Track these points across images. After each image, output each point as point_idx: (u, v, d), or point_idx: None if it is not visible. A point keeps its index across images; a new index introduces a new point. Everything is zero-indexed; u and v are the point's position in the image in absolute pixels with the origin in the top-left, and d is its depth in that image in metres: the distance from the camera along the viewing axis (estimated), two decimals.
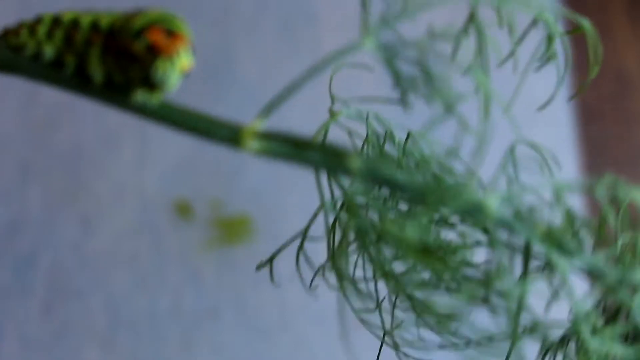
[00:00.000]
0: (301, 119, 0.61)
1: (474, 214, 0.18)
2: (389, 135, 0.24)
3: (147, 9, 0.22)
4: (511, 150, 0.19)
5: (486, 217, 0.17)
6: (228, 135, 0.21)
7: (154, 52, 0.21)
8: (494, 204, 0.18)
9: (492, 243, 0.18)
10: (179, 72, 0.21)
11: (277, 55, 0.63)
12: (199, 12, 0.64)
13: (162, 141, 0.57)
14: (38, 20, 0.23)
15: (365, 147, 0.25)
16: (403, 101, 0.20)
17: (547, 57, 0.20)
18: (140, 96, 0.22)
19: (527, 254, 0.19)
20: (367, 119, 0.25)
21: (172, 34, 0.21)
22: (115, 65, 0.22)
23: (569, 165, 0.61)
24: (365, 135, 0.25)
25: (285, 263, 0.56)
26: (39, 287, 0.53)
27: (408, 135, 0.25)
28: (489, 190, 0.18)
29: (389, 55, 0.19)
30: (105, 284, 0.54)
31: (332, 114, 0.23)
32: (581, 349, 0.18)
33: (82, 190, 0.56)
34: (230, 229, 0.56)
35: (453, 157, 0.23)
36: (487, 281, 0.18)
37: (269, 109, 0.20)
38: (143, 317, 0.53)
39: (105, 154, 0.57)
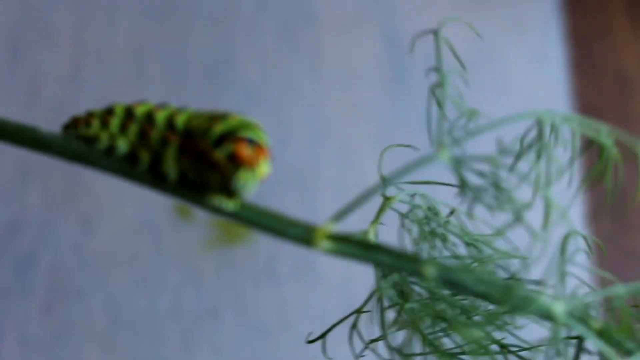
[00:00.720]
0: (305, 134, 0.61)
1: (542, 318, 0.20)
2: (433, 213, 0.26)
3: (227, 113, 0.22)
4: (563, 245, 0.21)
5: (554, 322, 0.20)
6: (302, 235, 0.22)
7: (236, 163, 0.21)
8: (560, 309, 0.20)
9: (554, 342, 0.20)
10: (258, 181, 0.21)
11: (277, 55, 0.63)
12: (199, 12, 0.64)
13: None
14: (109, 111, 0.23)
15: (409, 224, 0.27)
16: (469, 211, 0.22)
17: (597, 176, 0.23)
18: (217, 201, 0.22)
19: (579, 346, 0.21)
20: (412, 198, 0.26)
21: (254, 144, 0.21)
22: (191, 166, 0.22)
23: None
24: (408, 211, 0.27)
25: (285, 263, 0.56)
26: (39, 287, 0.53)
27: (452, 212, 0.27)
28: (554, 295, 0.20)
29: (460, 167, 0.21)
30: (105, 284, 0.54)
31: (386, 198, 0.24)
32: None
33: (82, 190, 0.56)
34: (230, 229, 0.56)
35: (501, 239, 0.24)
36: None
37: (342, 213, 0.21)
38: (143, 317, 0.53)
39: None
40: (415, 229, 0.27)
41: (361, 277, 0.57)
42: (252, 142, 0.21)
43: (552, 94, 0.63)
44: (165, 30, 0.62)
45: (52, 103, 0.59)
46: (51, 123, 0.64)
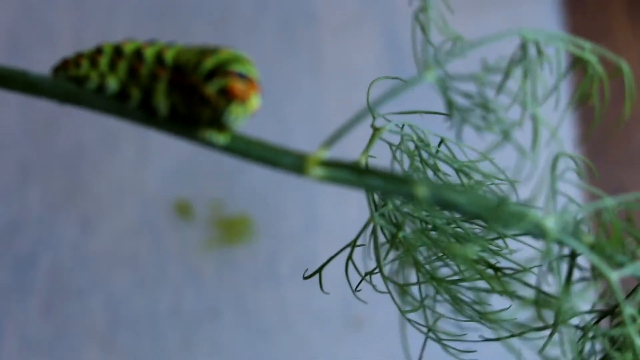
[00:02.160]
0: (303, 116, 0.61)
1: (534, 233, 0.21)
2: (424, 144, 0.26)
3: (217, 47, 0.22)
4: (553, 164, 0.21)
5: (546, 236, 0.20)
6: (293, 163, 0.22)
7: (227, 97, 0.21)
8: (551, 224, 0.20)
9: (546, 256, 0.20)
10: (248, 115, 0.21)
11: (277, 55, 0.63)
12: (199, 12, 0.64)
13: (162, 141, 0.57)
14: (98, 51, 0.23)
15: (399, 155, 0.27)
16: (458, 132, 0.22)
17: (586, 96, 0.24)
18: (208, 134, 0.22)
19: (572, 262, 0.22)
20: (402, 128, 0.27)
21: (245, 78, 0.21)
22: (182, 101, 0.22)
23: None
24: (398, 143, 0.27)
25: (285, 263, 0.56)
26: (39, 287, 0.53)
27: (441, 141, 0.27)
28: (544, 209, 0.20)
29: (446, 88, 0.21)
30: (105, 284, 0.54)
31: (375, 129, 0.25)
32: (628, 345, 0.21)
33: (82, 190, 0.56)
34: (230, 229, 0.56)
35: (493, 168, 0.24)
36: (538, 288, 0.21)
37: (332, 139, 0.21)
38: (143, 317, 0.53)
39: (105, 154, 0.57)
40: (406, 160, 0.27)
41: (359, 278, 0.57)
42: (242, 76, 0.21)
43: (552, 94, 0.63)
44: (165, 30, 0.62)
45: (52, 103, 0.59)
46: (51, 123, 0.64)
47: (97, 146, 0.57)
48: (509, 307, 0.23)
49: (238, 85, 0.21)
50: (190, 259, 0.55)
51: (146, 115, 0.22)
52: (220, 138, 0.22)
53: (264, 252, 0.56)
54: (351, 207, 0.56)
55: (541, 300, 0.21)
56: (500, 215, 0.20)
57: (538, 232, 0.20)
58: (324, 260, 0.55)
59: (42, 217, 0.55)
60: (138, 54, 0.22)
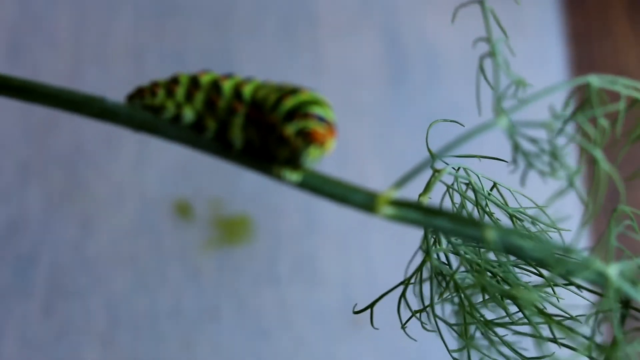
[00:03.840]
0: None
1: (595, 280, 0.21)
2: (476, 187, 0.28)
3: (297, 88, 0.22)
4: (614, 217, 0.22)
5: (608, 285, 0.20)
6: (364, 201, 0.22)
7: (307, 140, 0.21)
8: (614, 274, 0.21)
9: (607, 304, 0.21)
10: (324, 156, 0.22)
11: (277, 55, 0.63)
12: (199, 12, 0.64)
13: (162, 141, 0.57)
14: (174, 81, 0.23)
15: (452, 196, 0.29)
16: (523, 176, 0.23)
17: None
18: (283, 172, 0.22)
19: (625, 312, 0.23)
20: (457, 171, 0.27)
21: (325, 122, 0.21)
22: (258, 136, 0.22)
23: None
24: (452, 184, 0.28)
25: (285, 263, 0.56)
26: (39, 287, 0.53)
27: (494, 185, 0.28)
28: (607, 260, 0.21)
29: (516, 133, 0.22)
30: (105, 284, 0.54)
31: (435, 171, 0.25)
32: None
33: (82, 190, 0.56)
34: (230, 229, 0.56)
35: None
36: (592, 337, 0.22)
37: (402, 181, 0.22)
38: (143, 317, 0.53)
39: (105, 154, 0.57)
40: (458, 200, 0.28)
41: (360, 278, 0.57)
42: (322, 120, 0.21)
43: (552, 94, 0.63)
44: (165, 30, 0.62)
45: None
46: (51, 123, 0.64)
47: (97, 146, 0.57)
48: (552, 354, 0.23)
49: (319, 129, 0.21)
50: (190, 259, 0.55)
51: (221, 147, 0.23)
52: (294, 176, 0.22)
53: (264, 252, 0.56)
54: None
55: (596, 349, 0.21)
56: (566, 263, 0.21)
57: (599, 280, 0.21)
58: (324, 260, 0.55)
59: (42, 217, 0.55)
60: (216, 86, 0.23)
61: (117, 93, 0.66)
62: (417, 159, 0.27)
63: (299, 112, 0.21)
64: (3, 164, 0.56)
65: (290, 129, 0.21)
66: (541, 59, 0.64)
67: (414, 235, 0.31)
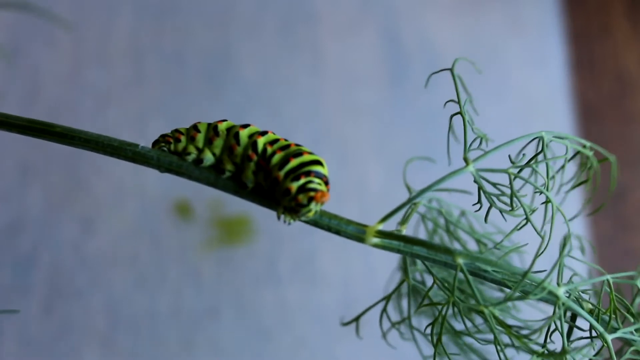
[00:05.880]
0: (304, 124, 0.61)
1: (546, 298, 0.26)
2: (446, 216, 0.33)
3: (298, 150, 0.26)
4: (563, 243, 0.26)
5: (558, 302, 0.25)
6: (356, 233, 0.27)
7: (310, 197, 0.26)
8: (562, 294, 0.26)
9: (555, 317, 0.25)
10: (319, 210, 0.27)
11: (277, 55, 0.63)
12: (199, 12, 0.64)
13: None
14: (195, 128, 0.28)
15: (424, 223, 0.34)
16: (487, 214, 0.28)
17: (582, 181, 0.31)
18: (284, 217, 0.27)
19: (572, 324, 0.28)
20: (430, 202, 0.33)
21: (324, 179, 0.26)
22: (265, 182, 0.27)
23: (569, 165, 0.61)
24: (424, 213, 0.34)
25: (285, 263, 0.56)
26: (39, 287, 0.53)
27: (462, 213, 0.34)
28: (556, 281, 0.26)
29: (481, 178, 0.27)
30: (105, 284, 0.54)
31: (413, 204, 0.30)
32: None
33: (82, 190, 0.56)
34: (230, 229, 0.56)
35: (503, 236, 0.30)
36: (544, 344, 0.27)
37: (387, 217, 0.27)
38: (143, 317, 0.53)
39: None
40: (431, 227, 0.33)
41: (360, 278, 0.57)
42: (320, 176, 0.26)
43: (552, 94, 0.63)
44: (165, 30, 0.62)
45: (52, 103, 0.59)
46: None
47: None
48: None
49: (321, 189, 0.26)
50: (190, 259, 0.55)
51: (236, 186, 0.28)
52: (292, 220, 0.27)
53: (264, 252, 0.56)
54: (350, 208, 0.56)
55: (548, 354, 0.26)
56: (523, 284, 0.26)
57: (550, 298, 0.26)
58: (324, 260, 0.55)
59: (42, 217, 0.55)
60: (236, 135, 0.27)
61: (117, 92, 0.67)
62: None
63: (303, 170, 0.26)
64: (3, 164, 0.56)
65: (294, 186, 0.26)
66: (541, 59, 0.64)
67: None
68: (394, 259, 0.36)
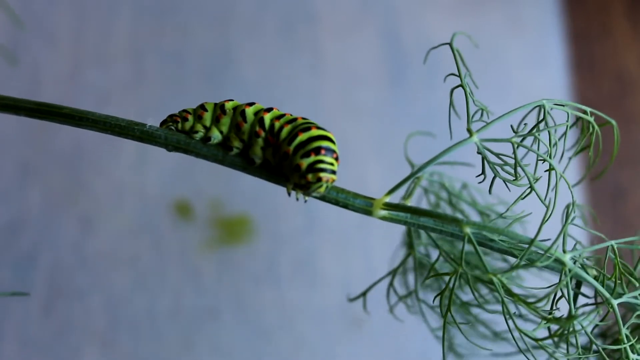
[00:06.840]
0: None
1: (552, 266, 0.27)
2: (449, 188, 0.33)
3: (308, 123, 0.26)
4: (567, 212, 0.26)
5: (564, 268, 0.26)
6: (364, 205, 0.27)
7: (319, 173, 0.25)
8: (568, 260, 0.26)
9: (562, 284, 0.26)
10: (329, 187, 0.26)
11: (277, 55, 0.63)
12: (199, 12, 0.64)
13: None
14: (202, 107, 0.28)
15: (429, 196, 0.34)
16: (491, 184, 0.27)
17: (584, 146, 0.31)
18: (293, 192, 0.26)
19: (577, 291, 0.28)
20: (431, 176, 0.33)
21: (334, 156, 0.26)
22: (274, 158, 0.27)
23: (569, 165, 0.61)
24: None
25: (285, 263, 0.56)
26: (39, 287, 0.53)
27: (464, 186, 0.34)
28: (563, 248, 0.26)
29: (484, 148, 0.27)
30: (105, 284, 0.54)
31: (416, 178, 0.30)
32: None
33: (82, 190, 0.56)
34: (230, 229, 0.56)
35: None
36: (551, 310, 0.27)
37: (393, 189, 0.27)
38: (143, 317, 0.53)
39: (105, 154, 0.57)
40: (433, 200, 0.34)
41: (360, 278, 0.57)
42: (330, 152, 0.26)
43: (552, 94, 0.63)
44: (165, 30, 0.62)
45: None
46: (51, 123, 0.64)
47: (97, 146, 0.57)
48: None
49: (329, 174, 0.26)
50: (190, 259, 0.55)
51: (244, 163, 0.28)
52: (302, 196, 0.27)
53: (264, 252, 0.56)
54: None
55: (554, 320, 0.26)
56: (529, 252, 0.26)
57: (555, 266, 0.26)
58: (324, 260, 0.56)
59: (42, 217, 0.55)
60: (242, 112, 0.27)
61: (117, 91, 0.66)
62: (417, 159, 0.32)
63: (313, 146, 0.26)
64: (3, 164, 0.56)
65: (304, 162, 0.25)
66: (541, 59, 0.64)
67: None
68: (394, 259, 0.36)
